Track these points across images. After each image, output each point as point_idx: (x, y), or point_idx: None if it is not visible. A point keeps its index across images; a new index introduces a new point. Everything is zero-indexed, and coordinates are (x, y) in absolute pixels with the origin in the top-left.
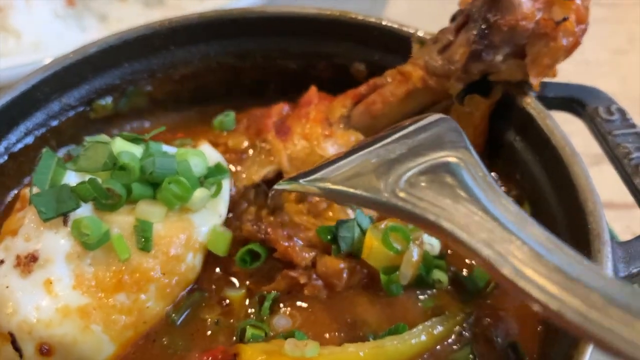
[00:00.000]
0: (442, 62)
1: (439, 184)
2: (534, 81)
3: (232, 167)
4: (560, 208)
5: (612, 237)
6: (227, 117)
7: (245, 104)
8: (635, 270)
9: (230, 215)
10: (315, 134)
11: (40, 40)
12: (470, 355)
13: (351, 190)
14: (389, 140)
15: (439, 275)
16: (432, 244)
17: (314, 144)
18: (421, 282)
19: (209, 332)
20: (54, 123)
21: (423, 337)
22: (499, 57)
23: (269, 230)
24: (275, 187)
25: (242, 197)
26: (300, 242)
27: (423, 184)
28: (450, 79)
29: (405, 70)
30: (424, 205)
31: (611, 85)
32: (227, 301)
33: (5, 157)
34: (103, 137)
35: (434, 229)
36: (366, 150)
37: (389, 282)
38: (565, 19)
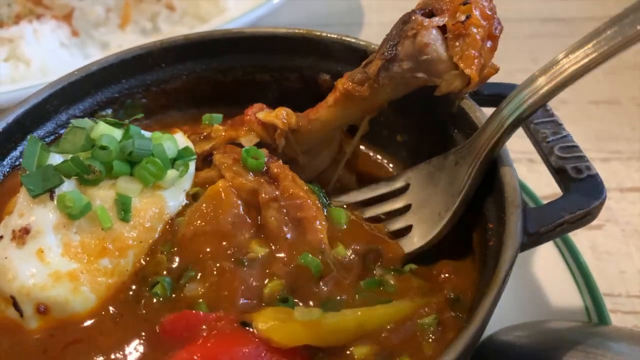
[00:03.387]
0: (361, 73)
1: None
2: (469, 71)
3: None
4: (487, 182)
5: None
6: (216, 116)
7: (227, 112)
8: (542, 230)
9: None
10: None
11: (47, 67)
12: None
13: None
14: None
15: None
16: None
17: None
18: None
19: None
20: (62, 131)
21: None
22: (403, 66)
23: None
24: None
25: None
26: None
27: None
28: (364, 84)
29: (337, 81)
30: None
31: (563, 94)
32: None
33: (21, 160)
34: (86, 121)
35: None
36: None
37: None
38: (468, 17)
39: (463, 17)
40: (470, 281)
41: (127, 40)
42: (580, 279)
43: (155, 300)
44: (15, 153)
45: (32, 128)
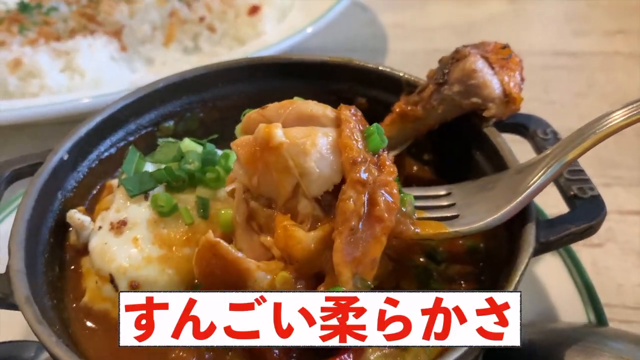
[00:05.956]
0: (417, 96)
1: None
2: (515, 93)
3: None
4: None
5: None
6: None
7: None
8: (552, 239)
9: None
10: None
11: (99, 78)
12: None
13: None
14: None
15: None
16: None
17: None
18: None
19: None
20: (131, 138)
21: None
22: (453, 89)
23: None
24: None
25: None
26: None
27: None
28: (418, 105)
29: (395, 104)
30: None
31: (571, 122)
32: None
33: (96, 162)
34: (171, 139)
35: None
36: None
37: None
38: (510, 56)
39: (506, 56)
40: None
41: (170, 57)
42: (583, 288)
43: None
44: (92, 156)
45: (106, 134)
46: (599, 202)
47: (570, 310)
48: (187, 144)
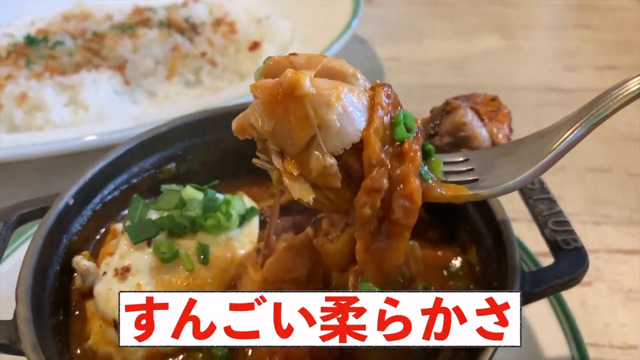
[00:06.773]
0: None
1: None
2: (502, 142)
3: None
4: (493, 248)
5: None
6: None
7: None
8: (536, 290)
9: None
10: None
11: (103, 111)
12: None
13: None
14: None
15: None
16: None
17: None
18: None
19: None
20: (134, 181)
21: None
22: (444, 140)
23: None
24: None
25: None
26: None
27: None
28: None
29: None
30: None
31: (562, 159)
32: None
33: (100, 205)
34: (173, 187)
35: None
36: None
37: None
38: (499, 109)
39: (495, 108)
40: None
41: (172, 90)
42: (567, 328)
43: None
44: (96, 199)
45: (110, 178)
46: (581, 254)
47: (555, 351)
48: (189, 192)
